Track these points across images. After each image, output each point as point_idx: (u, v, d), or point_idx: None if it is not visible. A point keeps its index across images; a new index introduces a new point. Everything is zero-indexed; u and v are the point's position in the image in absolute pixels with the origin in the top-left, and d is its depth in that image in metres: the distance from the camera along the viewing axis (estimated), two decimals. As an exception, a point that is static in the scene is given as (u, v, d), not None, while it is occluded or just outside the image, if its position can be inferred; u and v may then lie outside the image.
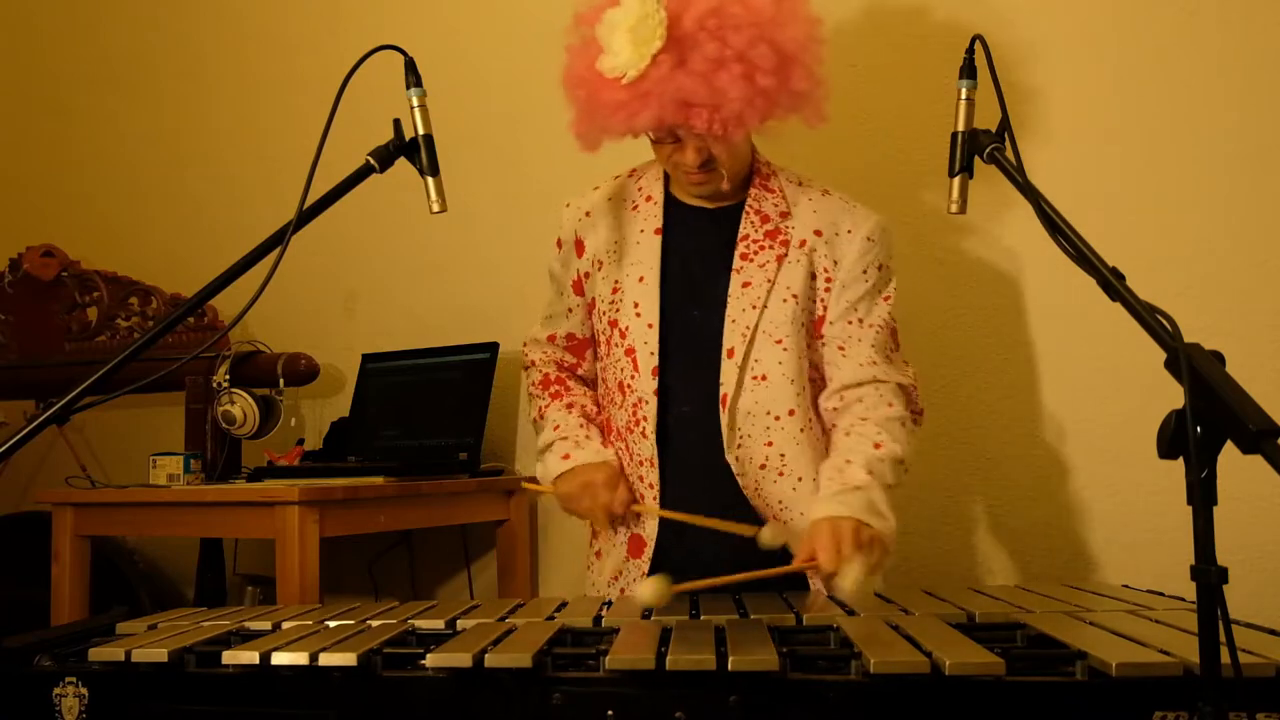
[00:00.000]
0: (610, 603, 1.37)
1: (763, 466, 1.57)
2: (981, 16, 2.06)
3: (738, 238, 1.60)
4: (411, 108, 1.43)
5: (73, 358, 2.83)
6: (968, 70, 1.38)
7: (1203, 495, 0.83)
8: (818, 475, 1.55)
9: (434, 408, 2.49)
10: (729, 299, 1.57)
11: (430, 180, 1.43)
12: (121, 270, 2.87)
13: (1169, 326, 0.94)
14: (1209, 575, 0.83)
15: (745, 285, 1.58)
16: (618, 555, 1.64)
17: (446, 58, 2.52)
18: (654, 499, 1.58)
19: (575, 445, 1.63)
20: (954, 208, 1.37)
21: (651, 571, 1.57)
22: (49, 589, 2.30)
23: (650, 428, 1.57)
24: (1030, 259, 2.06)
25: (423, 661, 1.07)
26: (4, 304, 2.93)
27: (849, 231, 1.60)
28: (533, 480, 1.73)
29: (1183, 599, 1.35)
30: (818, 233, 1.60)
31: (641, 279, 1.60)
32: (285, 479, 2.26)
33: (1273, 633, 1.13)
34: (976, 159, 1.34)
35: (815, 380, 1.61)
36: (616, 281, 1.63)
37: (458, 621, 1.26)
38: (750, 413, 1.56)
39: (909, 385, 1.59)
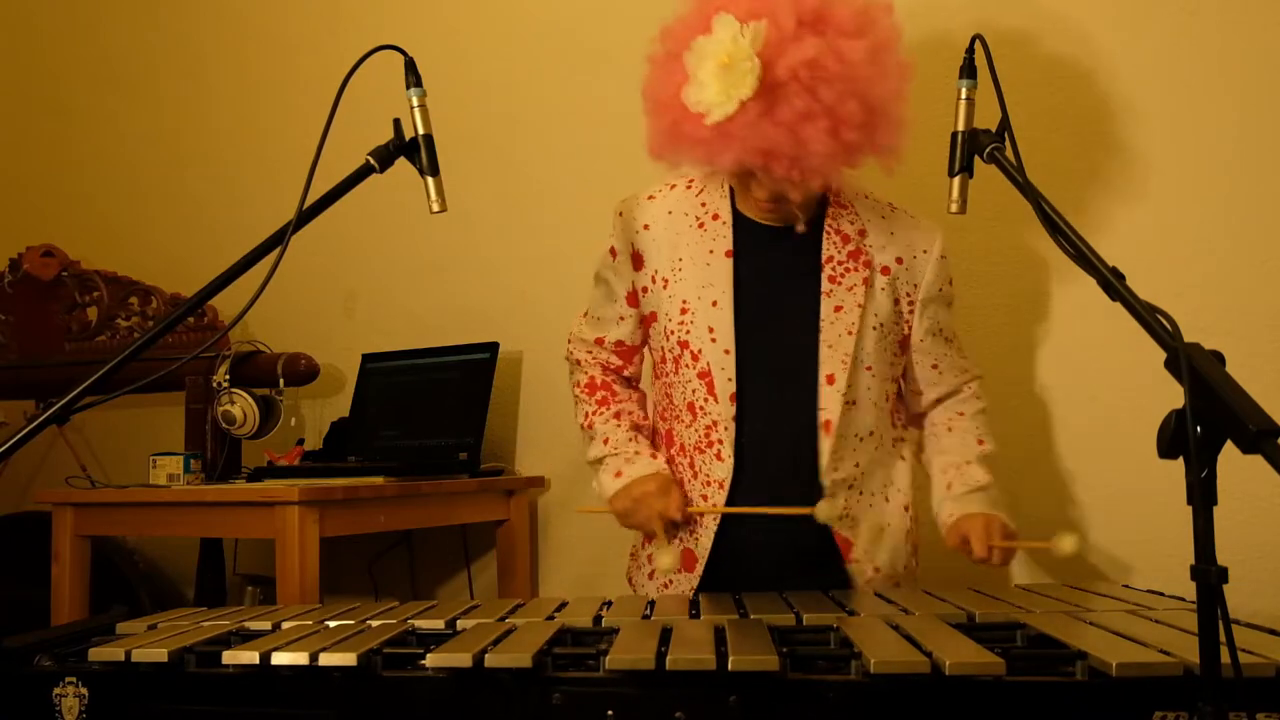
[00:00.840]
0: (610, 603, 1.37)
1: (851, 486, 1.60)
2: (982, 16, 2.06)
3: (822, 259, 1.59)
4: (411, 108, 1.43)
5: (73, 358, 2.83)
6: (967, 70, 1.38)
7: (1203, 495, 0.83)
8: (888, 489, 1.65)
9: (434, 408, 2.49)
10: (823, 324, 1.57)
11: (430, 180, 1.42)
12: (121, 270, 2.88)
13: (1169, 326, 0.94)
14: (1209, 575, 0.82)
15: (838, 310, 1.58)
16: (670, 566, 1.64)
17: (446, 58, 2.53)
18: (715, 518, 1.59)
19: (626, 461, 1.64)
20: (954, 208, 1.37)
21: (702, 586, 1.60)
22: (49, 589, 2.30)
23: (728, 451, 1.57)
24: (1030, 259, 2.06)
25: (423, 661, 1.07)
26: (4, 304, 2.94)
27: (925, 252, 1.63)
28: (588, 504, 1.76)
29: (1183, 599, 1.35)
30: (899, 260, 1.62)
31: (715, 303, 1.58)
32: (285, 479, 2.26)
33: (1273, 633, 1.13)
34: (976, 158, 1.34)
35: (896, 394, 1.67)
36: (685, 302, 1.60)
37: (458, 621, 1.26)
38: (843, 435, 1.58)
39: (980, 376, 1.74)
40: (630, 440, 1.67)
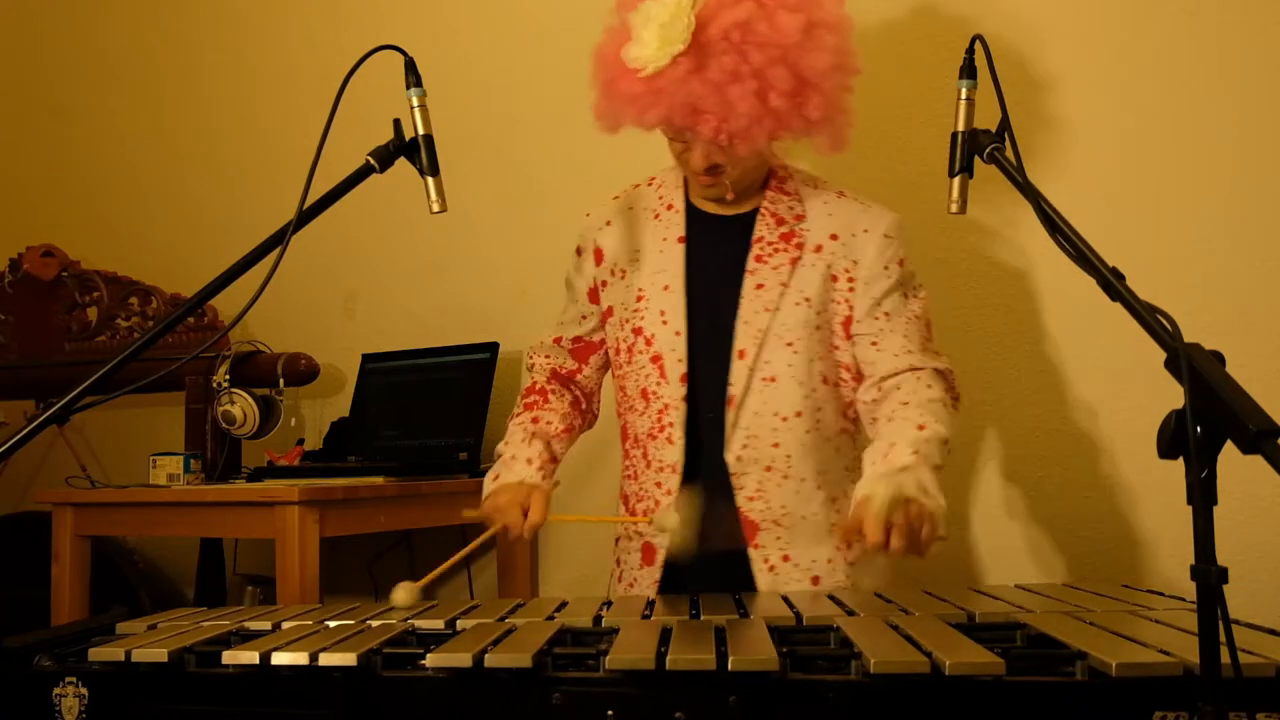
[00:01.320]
0: (610, 603, 1.37)
1: (768, 469, 1.57)
2: (982, 15, 2.06)
3: (752, 239, 1.61)
4: (411, 108, 1.43)
5: (73, 358, 2.83)
6: (968, 70, 1.38)
7: (1203, 495, 0.83)
8: (820, 478, 1.58)
9: (434, 408, 2.49)
10: (742, 300, 1.58)
11: (430, 180, 1.43)
12: (121, 270, 2.88)
13: (1169, 326, 0.94)
14: (1209, 575, 0.82)
15: (759, 287, 1.58)
16: (633, 563, 1.65)
17: (446, 58, 2.53)
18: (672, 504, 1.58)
19: (504, 465, 1.65)
20: (954, 208, 1.37)
21: (663, 580, 1.60)
22: (49, 589, 2.30)
23: (678, 434, 1.57)
24: (1030, 260, 2.06)
25: (423, 661, 1.07)
26: (4, 304, 2.94)
27: (866, 231, 1.60)
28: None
29: (1183, 599, 1.35)
30: (834, 236, 1.60)
31: (667, 287, 1.61)
32: (285, 479, 2.26)
33: (1273, 633, 1.13)
34: (976, 159, 1.34)
35: (846, 382, 1.62)
36: (640, 289, 1.63)
37: (458, 621, 1.26)
38: (758, 413, 1.56)
39: (946, 369, 1.59)
40: (523, 442, 1.66)
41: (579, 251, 1.72)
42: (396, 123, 1.43)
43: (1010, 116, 1.31)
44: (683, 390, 1.57)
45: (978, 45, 1.36)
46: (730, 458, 1.56)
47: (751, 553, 1.56)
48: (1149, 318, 0.98)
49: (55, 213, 3.19)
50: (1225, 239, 1.93)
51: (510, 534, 1.55)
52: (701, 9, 1.41)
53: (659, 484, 1.60)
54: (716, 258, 1.62)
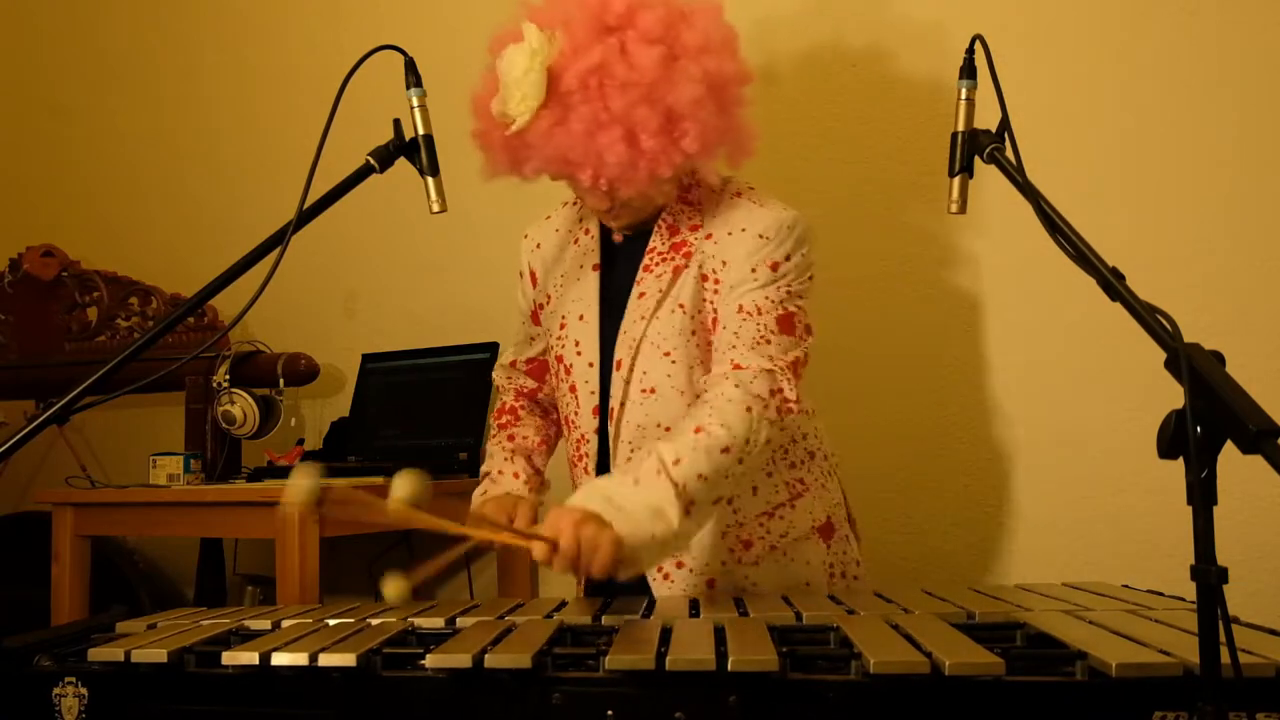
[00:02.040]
0: (610, 603, 1.37)
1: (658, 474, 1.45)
2: (983, 15, 2.06)
3: (645, 249, 1.55)
4: (411, 108, 1.43)
5: (73, 358, 2.83)
6: (967, 70, 1.37)
7: (1203, 495, 0.83)
8: None
9: (434, 408, 2.49)
10: (626, 312, 1.54)
11: (430, 180, 1.43)
12: (121, 270, 2.88)
13: (1169, 326, 0.94)
14: (1209, 575, 0.82)
15: (641, 296, 1.53)
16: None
17: (446, 58, 2.52)
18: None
19: (491, 482, 1.64)
20: (954, 208, 1.37)
21: (588, 588, 1.57)
22: (49, 589, 2.30)
23: (591, 464, 1.57)
24: (1030, 259, 2.06)
25: (422, 661, 1.07)
26: (4, 304, 2.94)
27: (742, 230, 1.49)
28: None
29: (1183, 599, 1.35)
30: (709, 237, 1.52)
31: (582, 317, 1.59)
32: (285, 479, 2.26)
33: (1273, 633, 1.13)
34: (976, 159, 1.34)
35: None
36: (563, 318, 1.62)
37: (457, 621, 1.26)
38: (641, 425, 1.52)
39: (775, 369, 1.41)
40: (505, 460, 1.66)
41: (520, 274, 1.72)
42: (396, 123, 1.43)
43: (1010, 116, 1.31)
44: (595, 423, 1.56)
45: (978, 45, 1.36)
46: (615, 471, 1.51)
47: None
48: (1149, 318, 0.98)
49: (55, 213, 3.19)
50: (1225, 239, 1.93)
51: (495, 545, 1.49)
52: (555, 59, 1.37)
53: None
54: (620, 280, 1.59)
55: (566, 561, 1.23)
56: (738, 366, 1.41)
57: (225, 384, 2.48)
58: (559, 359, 1.62)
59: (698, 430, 1.34)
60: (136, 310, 2.84)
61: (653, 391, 1.51)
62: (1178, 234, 1.96)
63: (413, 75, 1.42)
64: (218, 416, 2.47)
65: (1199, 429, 0.84)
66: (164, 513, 2.26)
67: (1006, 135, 1.30)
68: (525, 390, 1.78)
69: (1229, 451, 0.84)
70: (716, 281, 1.50)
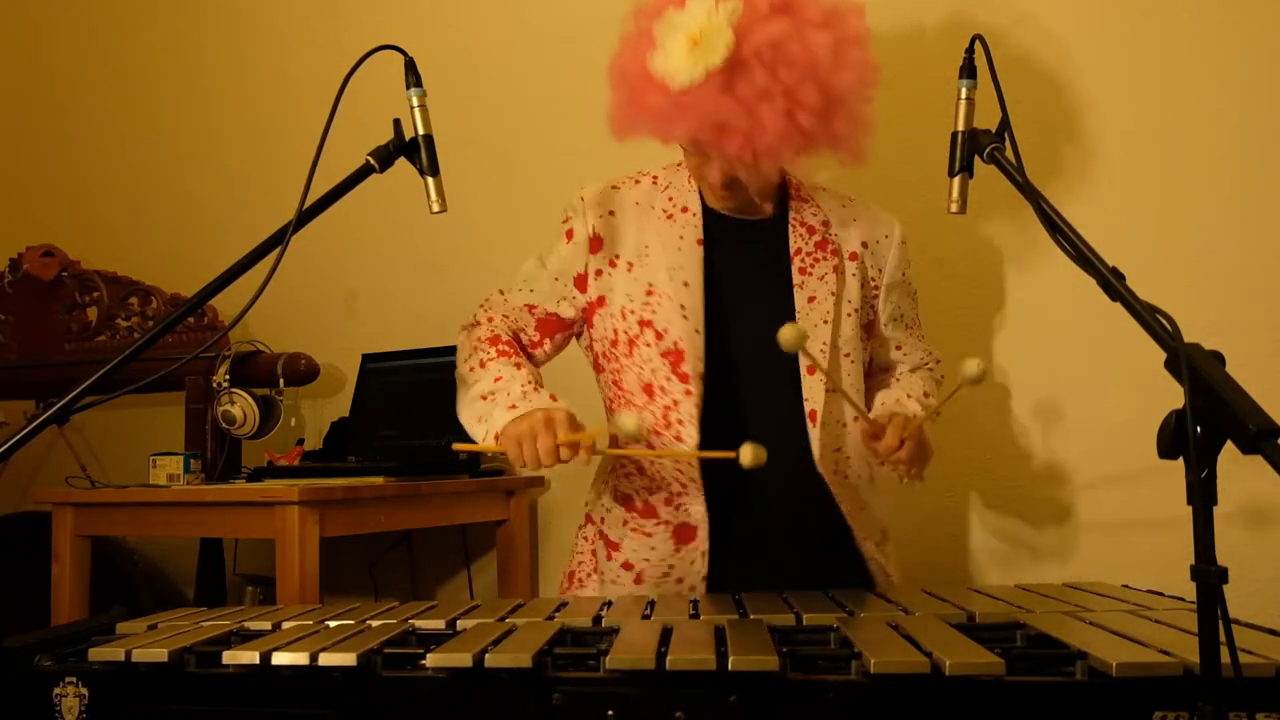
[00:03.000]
0: (610, 603, 1.37)
1: (835, 471, 1.60)
2: (984, 16, 2.06)
3: (790, 251, 1.62)
4: (411, 108, 1.43)
5: (73, 358, 2.83)
6: (968, 70, 1.38)
7: (1203, 495, 0.83)
8: (871, 470, 1.64)
9: (434, 408, 2.49)
10: (798, 314, 1.59)
11: (430, 180, 1.43)
12: (121, 270, 2.88)
13: (1169, 326, 0.94)
14: (1209, 575, 0.82)
15: (811, 300, 1.60)
16: (663, 549, 1.58)
17: (446, 58, 2.52)
18: (699, 486, 1.55)
19: (523, 395, 1.50)
20: (954, 208, 1.37)
21: (712, 557, 1.55)
22: (49, 589, 2.30)
23: (691, 431, 1.54)
24: (1030, 259, 2.06)
25: (423, 661, 1.07)
26: (4, 304, 2.94)
27: (886, 238, 1.67)
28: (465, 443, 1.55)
29: (1183, 599, 1.35)
30: (864, 244, 1.65)
31: (687, 284, 1.58)
32: (285, 479, 2.26)
33: (1273, 633, 1.13)
34: (976, 158, 1.34)
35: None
36: (651, 284, 1.59)
37: (458, 621, 1.26)
38: (827, 424, 1.58)
39: (939, 358, 1.78)
40: (529, 382, 1.54)
41: (569, 235, 1.65)
42: (396, 123, 1.43)
43: (1010, 116, 1.31)
44: (701, 388, 1.56)
45: (978, 45, 1.36)
46: (822, 469, 1.57)
47: (865, 552, 1.61)
48: (1149, 318, 0.98)
49: (55, 213, 3.19)
50: (1225, 239, 1.93)
51: (542, 460, 1.41)
52: (736, 24, 1.38)
53: (680, 470, 1.56)
54: (737, 263, 1.61)
55: (918, 450, 1.52)
56: (930, 365, 1.77)
57: (225, 384, 2.48)
58: (645, 323, 1.58)
59: (926, 394, 1.68)
60: (136, 310, 2.84)
61: (837, 391, 1.58)
62: (1178, 234, 1.96)
63: (413, 75, 1.42)
64: (218, 416, 2.47)
65: (1199, 429, 0.84)
66: (164, 513, 2.26)
67: (1006, 135, 1.30)
68: (522, 339, 1.70)
69: (1229, 451, 0.84)
70: (876, 287, 1.67)
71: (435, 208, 1.43)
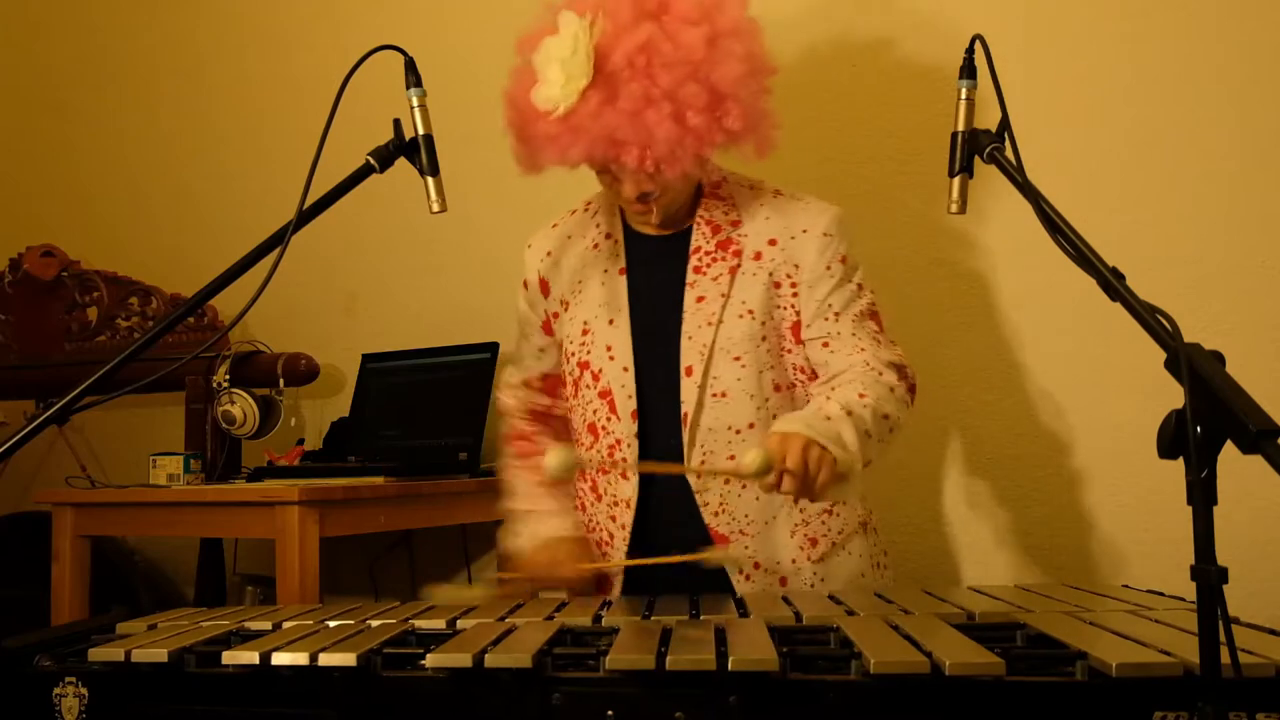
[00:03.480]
0: (610, 603, 1.37)
1: (727, 482, 1.54)
2: (983, 16, 2.06)
3: (690, 249, 1.58)
4: (411, 108, 1.43)
5: (73, 358, 2.83)
6: (968, 70, 1.37)
7: (1203, 495, 0.83)
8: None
9: (434, 408, 2.49)
10: (685, 315, 1.55)
11: (430, 180, 1.42)
12: (121, 270, 2.88)
13: (1169, 326, 0.94)
14: (1209, 575, 0.82)
15: (699, 300, 1.55)
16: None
17: (446, 58, 2.52)
18: (624, 539, 1.58)
19: (536, 520, 1.64)
20: (954, 208, 1.37)
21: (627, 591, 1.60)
22: (49, 589, 2.30)
23: (631, 470, 1.56)
24: (1030, 259, 2.06)
25: (423, 661, 1.07)
26: (4, 304, 2.94)
27: (804, 231, 1.56)
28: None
29: (1183, 599, 1.35)
30: (772, 241, 1.56)
31: (612, 321, 1.58)
32: (285, 479, 2.26)
33: (1273, 633, 1.13)
34: (976, 159, 1.34)
35: (802, 383, 1.59)
36: (585, 323, 1.61)
37: (458, 621, 1.26)
38: (712, 429, 1.54)
39: (900, 363, 1.55)
40: (540, 496, 1.66)
41: (525, 284, 1.71)
42: (396, 123, 1.43)
43: (1010, 116, 1.31)
44: (634, 426, 1.55)
45: (978, 45, 1.36)
46: (690, 477, 1.54)
47: (720, 555, 1.53)
48: (1149, 318, 0.98)
49: (55, 213, 3.19)
50: (1225, 239, 1.93)
51: (571, 584, 1.55)
52: (600, 39, 1.37)
53: (613, 518, 1.60)
54: (655, 281, 1.60)
55: (797, 482, 1.28)
56: (869, 363, 1.50)
57: (225, 384, 2.48)
58: (583, 365, 1.61)
59: (861, 395, 1.43)
60: (136, 310, 2.84)
61: (724, 395, 1.54)
62: (1178, 234, 1.96)
63: (413, 75, 1.42)
64: (218, 416, 2.47)
65: (1199, 429, 0.84)
66: (164, 513, 2.26)
67: (1006, 135, 1.30)
68: (539, 410, 1.75)
69: (1229, 451, 0.84)
70: (793, 285, 1.56)
71: (435, 208, 1.43)
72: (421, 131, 1.42)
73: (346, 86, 1.39)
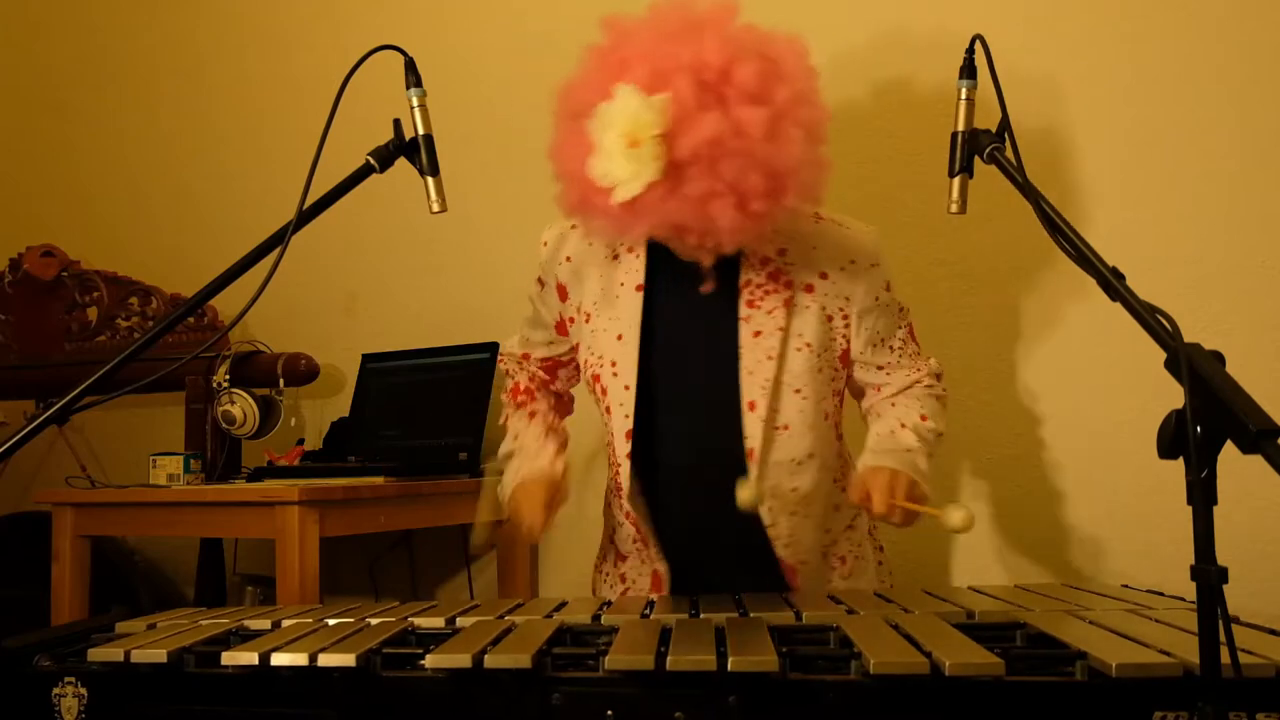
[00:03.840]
0: (610, 603, 1.37)
1: (792, 513, 1.57)
2: (982, 18, 2.06)
3: (740, 283, 1.55)
4: (411, 108, 1.43)
5: (73, 358, 2.83)
6: (968, 70, 1.37)
7: (1203, 495, 0.83)
8: (828, 508, 1.62)
9: (434, 408, 2.49)
10: (742, 350, 1.54)
11: (430, 180, 1.42)
12: (121, 270, 2.88)
13: (1169, 326, 0.94)
14: (1209, 575, 0.82)
15: (756, 335, 1.53)
16: (643, 585, 1.66)
17: (446, 58, 2.52)
18: (655, 552, 1.59)
19: (527, 459, 1.62)
20: (954, 208, 1.37)
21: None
22: (49, 589, 2.30)
23: (626, 490, 1.56)
24: (1030, 259, 2.06)
25: (422, 662, 1.07)
26: (4, 304, 2.94)
27: (852, 263, 1.56)
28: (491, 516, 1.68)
29: (1183, 599, 1.35)
30: (823, 275, 1.56)
31: (620, 337, 1.57)
32: (285, 479, 2.26)
33: (1273, 633, 1.13)
34: (976, 159, 1.34)
35: (837, 409, 1.63)
36: (595, 336, 1.61)
37: (457, 621, 1.26)
38: (777, 461, 1.54)
39: (939, 370, 1.66)
40: (538, 438, 1.64)
41: (540, 283, 1.69)
42: (396, 123, 1.43)
43: (1010, 117, 1.31)
44: (627, 447, 1.55)
45: (978, 45, 1.36)
46: (763, 509, 1.54)
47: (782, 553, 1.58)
48: (1149, 318, 0.98)
49: (55, 213, 3.19)
50: (1225, 239, 1.93)
51: (529, 532, 1.51)
52: (667, 125, 1.32)
53: (637, 528, 1.61)
54: (686, 303, 1.57)
55: (904, 516, 1.44)
56: (920, 381, 1.63)
57: (225, 384, 2.48)
58: (595, 378, 1.60)
59: (924, 417, 1.60)
60: (136, 310, 2.84)
61: (787, 428, 1.54)
62: (1178, 234, 1.96)
63: (413, 75, 1.42)
64: (218, 416, 2.47)
65: (1199, 429, 0.84)
66: (164, 513, 2.26)
67: (1006, 135, 1.30)
68: (539, 379, 1.76)
69: (1229, 451, 0.84)
70: (845, 316, 1.58)
71: (435, 208, 1.43)
72: (421, 131, 1.42)
73: (346, 86, 1.39)
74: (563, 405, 1.79)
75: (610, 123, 1.33)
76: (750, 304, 1.55)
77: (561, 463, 1.61)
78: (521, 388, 1.74)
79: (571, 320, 1.66)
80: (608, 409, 1.58)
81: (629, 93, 1.32)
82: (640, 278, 1.58)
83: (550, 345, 1.73)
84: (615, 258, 1.61)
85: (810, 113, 1.41)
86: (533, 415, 1.68)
